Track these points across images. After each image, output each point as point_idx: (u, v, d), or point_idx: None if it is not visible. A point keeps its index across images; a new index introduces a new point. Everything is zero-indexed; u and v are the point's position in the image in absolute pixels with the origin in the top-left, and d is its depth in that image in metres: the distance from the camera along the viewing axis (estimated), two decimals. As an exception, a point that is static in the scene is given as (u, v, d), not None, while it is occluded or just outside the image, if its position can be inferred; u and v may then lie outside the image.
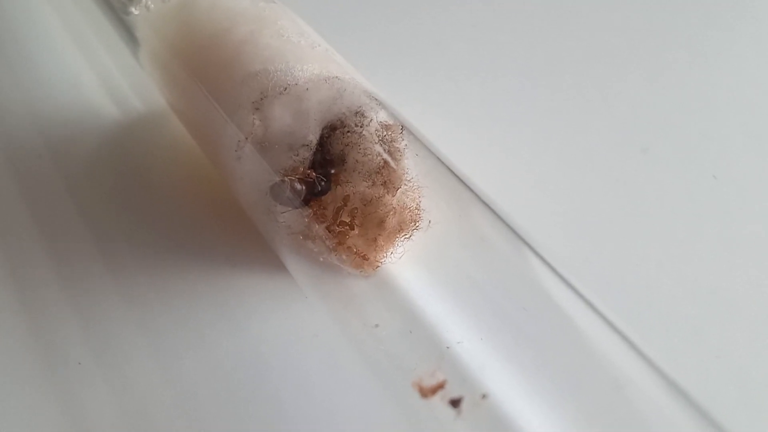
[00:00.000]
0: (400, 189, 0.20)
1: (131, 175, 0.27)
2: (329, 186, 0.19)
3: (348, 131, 0.19)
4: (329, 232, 0.19)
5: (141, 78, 0.29)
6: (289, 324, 0.22)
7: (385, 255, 0.20)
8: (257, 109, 0.20)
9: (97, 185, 0.26)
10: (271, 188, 0.19)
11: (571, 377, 0.17)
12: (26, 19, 0.34)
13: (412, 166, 0.20)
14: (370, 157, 0.19)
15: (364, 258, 0.19)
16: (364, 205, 0.19)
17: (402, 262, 0.19)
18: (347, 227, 0.19)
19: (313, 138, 0.19)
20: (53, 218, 0.25)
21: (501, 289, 0.19)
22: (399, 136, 0.20)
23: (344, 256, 0.19)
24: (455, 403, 0.16)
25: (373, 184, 0.19)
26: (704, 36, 0.35)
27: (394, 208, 0.19)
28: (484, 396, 0.16)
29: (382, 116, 0.20)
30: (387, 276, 0.19)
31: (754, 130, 0.30)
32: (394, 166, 0.19)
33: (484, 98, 0.31)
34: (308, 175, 0.19)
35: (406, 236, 0.20)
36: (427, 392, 0.16)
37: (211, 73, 0.22)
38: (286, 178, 0.19)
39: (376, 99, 0.20)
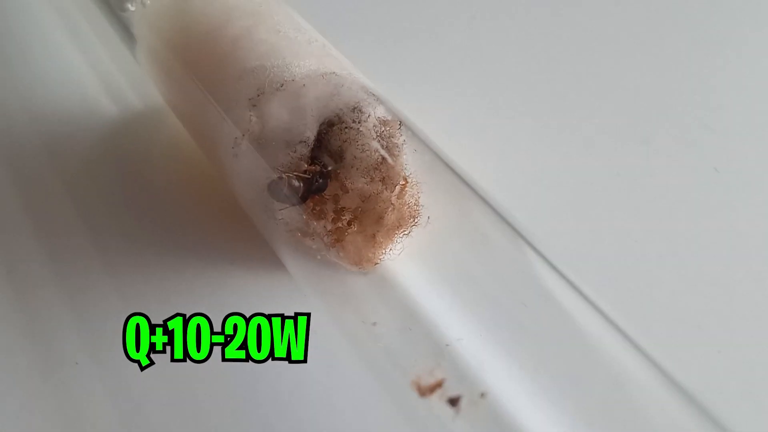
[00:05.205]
0: (398, 185, 0.19)
1: (128, 172, 0.27)
2: (327, 183, 0.19)
3: (346, 127, 0.19)
4: (327, 229, 0.19)
5: (138, 74, 0.29)
6: (287, 321, 0.22)
7: (383, 252, 0.19)
8: (254, 105, 0.20)
9: (94, 182, 0.26)
10: (268, 185, 0.19)
11: (571, 374, 0.17)
12: (23, 15, 0.34)
13: (410, 162, 0.20)
14: (368, 153, 0.19)
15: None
16: (363, 201, 0.19)
17: (401, 258, 0.19)
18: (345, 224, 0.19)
19: (311, 134, 0.19)
20: (50, 215, 0.25)
21: (500, 285, 0.18)
22: (397, 131, 0.20)
23: (342, 254, 0.19)
24: (454, 401, 0.16)
25: (372, 180, 0.19)
26: (706, 26, 0.35)
27: (393, 204, 0.19)
28: (482, 395, 0.16)
29: (379, 112, 0.20)
30: (385, 273, 0.19)
31: (755, 122, 0.30)
32: (392, 162, 0.19)
33: (482, 92, 0.31)
34: (306, 171, 0.19)
35: (405, 233, 0.20)
36: (425, 391, 0.16)
37: (207, 69, 0.22)
38: (283, 175, 0.19)
39: (374, 94, 0.20)
